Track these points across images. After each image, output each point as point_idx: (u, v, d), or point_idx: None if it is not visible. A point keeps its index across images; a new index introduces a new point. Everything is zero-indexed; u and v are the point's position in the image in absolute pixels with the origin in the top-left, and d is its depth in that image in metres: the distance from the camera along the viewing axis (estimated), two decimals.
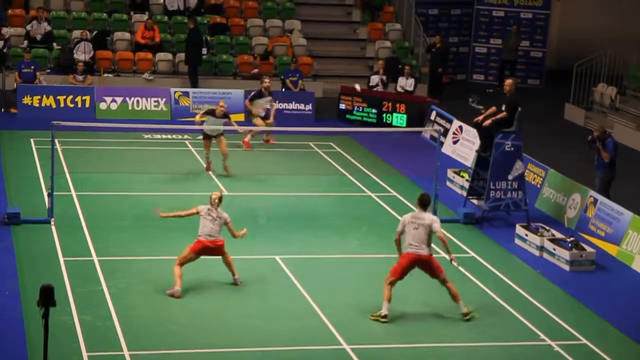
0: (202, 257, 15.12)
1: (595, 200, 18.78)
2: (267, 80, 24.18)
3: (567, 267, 17.01)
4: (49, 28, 28.72)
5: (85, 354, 12.70)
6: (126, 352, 12.84)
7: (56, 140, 18.18)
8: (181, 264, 14.94)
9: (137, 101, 26.31)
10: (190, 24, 28.69)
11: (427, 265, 14.33)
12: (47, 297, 9.86)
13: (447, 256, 14.51)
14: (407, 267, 14.32)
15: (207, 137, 21.00)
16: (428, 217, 14.45)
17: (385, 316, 14.31)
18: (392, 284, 14.31)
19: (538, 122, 27.03)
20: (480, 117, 19.19)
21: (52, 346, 10.30)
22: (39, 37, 28.51)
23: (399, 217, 15.34)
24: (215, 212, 15.05)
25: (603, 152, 19.35)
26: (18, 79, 26.60)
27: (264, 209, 15.68)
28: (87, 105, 26.00)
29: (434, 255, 14.46)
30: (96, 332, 13.37)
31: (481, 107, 20.02)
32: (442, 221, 18.53)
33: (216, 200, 15.13)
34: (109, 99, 26.14)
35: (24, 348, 12.73)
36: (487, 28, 34.62)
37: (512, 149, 18.89)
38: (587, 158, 19.94)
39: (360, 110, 26.96)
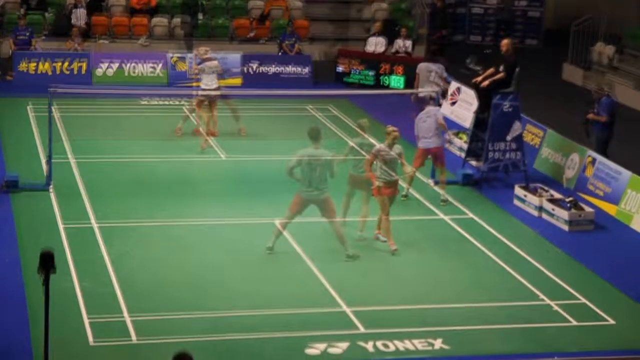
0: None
1: (594, 160, 18.76)
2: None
3: (566, 227, 17.02)
4: None
5: (86, 319, 12.72)
6: (127, 317, 12.86)
7: (53, 107, 18.09)
8: (387, 215, 15.48)
9: (134, 66, 26.20)
10: None
11: (435, 154, 18.00)
12: (47, 263, 9.83)
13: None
14: (422, 158, 18.02)
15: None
16: (433, 111, 17.88)
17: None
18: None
19: (536, 82, 26.93)
20: (479, 78, 19.15)
21: (53, 312, 10.30)
22: (33, 3, 28.31)
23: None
24: (387, 153, 15.54)
25: (598, 118, 19.33)
26: (13, 45, 26.46)
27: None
28: (84, 71, 25.90)
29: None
30: (97, 297, 13.39)
31: (479, 68, 19.95)
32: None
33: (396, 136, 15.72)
34: (105, 65, 26.04)
35: (25, 314, 12.75)
36: None
37: (510, 109, 18.84)
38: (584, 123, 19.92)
39: (358, 72, 26.85)
